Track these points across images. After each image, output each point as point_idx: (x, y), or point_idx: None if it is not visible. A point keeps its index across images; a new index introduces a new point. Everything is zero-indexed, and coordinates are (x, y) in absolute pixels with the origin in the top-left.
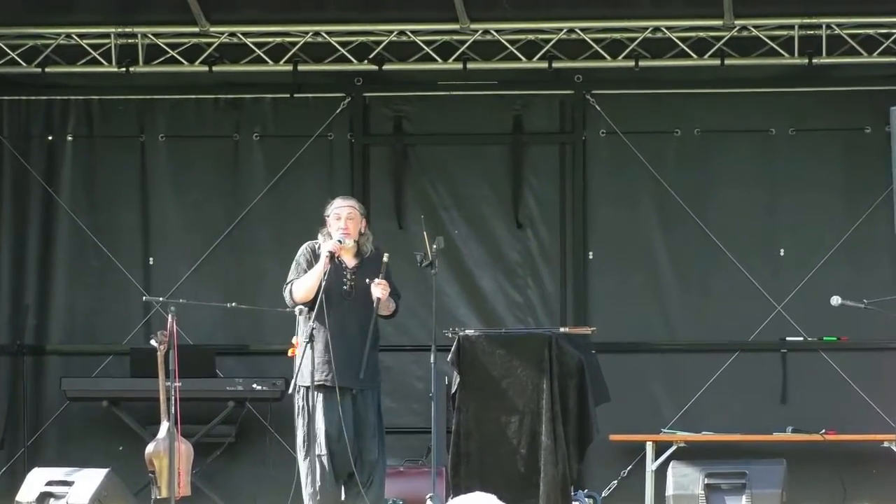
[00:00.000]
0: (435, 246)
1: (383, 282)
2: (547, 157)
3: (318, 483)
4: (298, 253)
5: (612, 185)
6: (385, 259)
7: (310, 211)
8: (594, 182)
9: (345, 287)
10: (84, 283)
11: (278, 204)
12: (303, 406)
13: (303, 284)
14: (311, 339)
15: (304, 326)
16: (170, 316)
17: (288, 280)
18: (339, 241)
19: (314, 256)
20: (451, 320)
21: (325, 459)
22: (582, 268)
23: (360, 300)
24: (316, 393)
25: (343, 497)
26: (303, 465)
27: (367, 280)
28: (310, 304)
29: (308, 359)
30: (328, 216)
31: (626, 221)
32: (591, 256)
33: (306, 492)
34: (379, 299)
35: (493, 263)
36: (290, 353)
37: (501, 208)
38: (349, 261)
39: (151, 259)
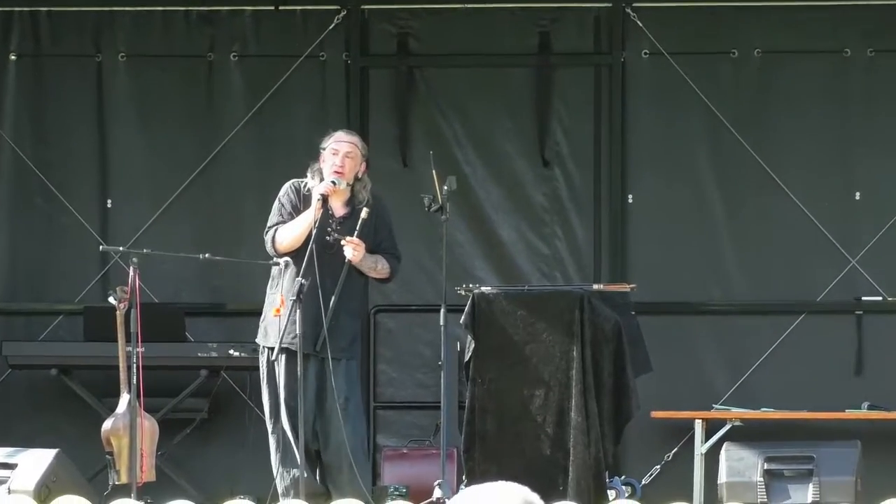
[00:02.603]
0: (446, 187)
1: (355, 240)
2: (579, 83)
3: (282, 458)
4: (281, 192)
5: (656, 116)
6: (363, 215)
7: (298, 145)
8: (634, 112)
9: (328, 238)
10: (29, 230)
11: (260, 136)
12: (267, 371)
13: (289, 231)
14: (299, 294)
15: (288, 281)
16: (131, 269)
17: (270, 225)
18: (333, 183)
19: (299, 198)
20: (465, 275)
21: (288, 433)
22: (619, 213)
23: (341, 256)
24: (280, 357)
25: (319, 478)
26: (271, 439)
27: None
28: (292, 255)
29: (278, 318)
30: (324, 149)
31: (673, 158)
32: (630, 200)
33: (274, 468)
34: (351, 261)
35: (514, 208)
36: (274, 313)
37: (525, 143)
38: (338, 209)
39: (109, 201)
